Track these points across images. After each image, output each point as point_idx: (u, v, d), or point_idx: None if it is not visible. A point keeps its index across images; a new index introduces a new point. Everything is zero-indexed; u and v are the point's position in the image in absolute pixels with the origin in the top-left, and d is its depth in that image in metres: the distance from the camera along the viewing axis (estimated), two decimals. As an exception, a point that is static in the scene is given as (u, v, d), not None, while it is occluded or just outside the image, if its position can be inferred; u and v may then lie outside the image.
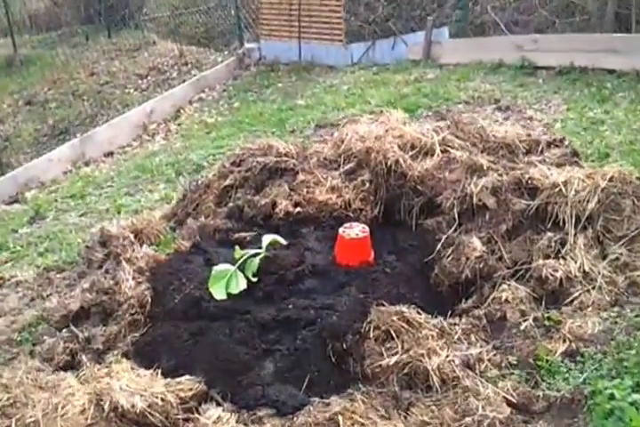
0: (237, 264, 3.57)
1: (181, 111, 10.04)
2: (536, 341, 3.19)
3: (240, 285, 3.46)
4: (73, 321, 3.85)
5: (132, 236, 4.62)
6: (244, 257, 3.64)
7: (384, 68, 9.78)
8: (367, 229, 3.80)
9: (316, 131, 7.37)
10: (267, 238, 3.75)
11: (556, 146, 4.82)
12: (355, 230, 3.77)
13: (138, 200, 5.90)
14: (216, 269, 3.54)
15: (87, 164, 8.16)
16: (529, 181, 3.91)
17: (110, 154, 8.58)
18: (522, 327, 3.27)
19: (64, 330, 3.74)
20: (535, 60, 8.59)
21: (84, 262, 4.61)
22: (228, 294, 3.46)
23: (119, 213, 5.66)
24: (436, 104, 7.76)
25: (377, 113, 5.66)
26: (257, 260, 3.63)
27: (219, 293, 3.42)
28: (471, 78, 8.59)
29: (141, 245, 4.63)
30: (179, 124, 9.51)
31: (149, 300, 3.72)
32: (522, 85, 8.11)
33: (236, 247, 3.70)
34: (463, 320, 3.36)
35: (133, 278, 3.91)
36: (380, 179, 4.23)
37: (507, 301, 3.37)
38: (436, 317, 3.41)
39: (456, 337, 3.25)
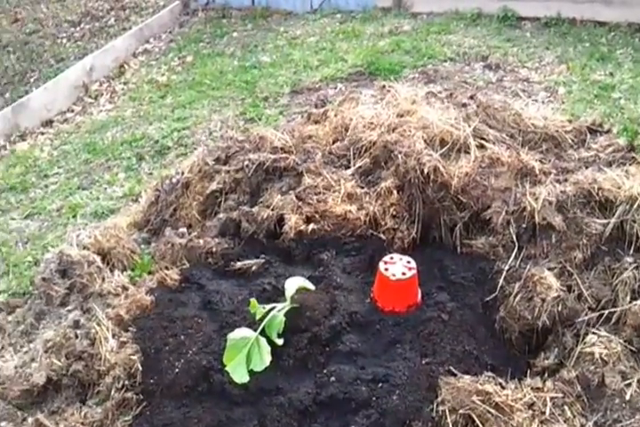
0: (259, 328, 2.74)
1: (125, 66, 8.83)
2: (648, 415, 2.56)
3: (265, 359, 2.64)
4: (38, 397, 2.99)
5: (98, 260, 3.75)
6: (264, 313, 2.81)
7: (350, 17, 8.78)
8: (413, 263, 3.02)
9: (293, 98, 6.45)
10: (292, 284, 2.90)
11: (597, 131, 4.10)
12: (398, 267, 2.97)
13: (95, 197, 4.90)
14: (231, 336, 2.70)
15: (23, 137, 6.99)
16: (599, 193, 3.19)
17: (49, 123, 7.40)
18: (627, 397, 2.62)
19: (29, 419, 2.86)
20: (518, 10, 7.76)
21: (41, 296, 3.69)
22: (250, 372, 2.65)
23: (74, 216, 4.67)
24: (421, 63, 6.90)
25: (378, 87, 4.78)
26: (281, 315, 2.80)
27: (239, 373, 2.58)
28: (452, 31, 7.73)
29: (112, 271, 3.79)
30: (124, 84, 8.34)
31: (140, 368, 2.90)
32: (509, 40, 7.29)
33: (252, 300, 2.85)
34: (550, 385, 2.69)
35: (114, 336, 3.06)
36: (414, 190, 3.41)
37: (603, 360, 2.69)
38: (512, 377, 2.75)
39: (548, 412, 2.59)
